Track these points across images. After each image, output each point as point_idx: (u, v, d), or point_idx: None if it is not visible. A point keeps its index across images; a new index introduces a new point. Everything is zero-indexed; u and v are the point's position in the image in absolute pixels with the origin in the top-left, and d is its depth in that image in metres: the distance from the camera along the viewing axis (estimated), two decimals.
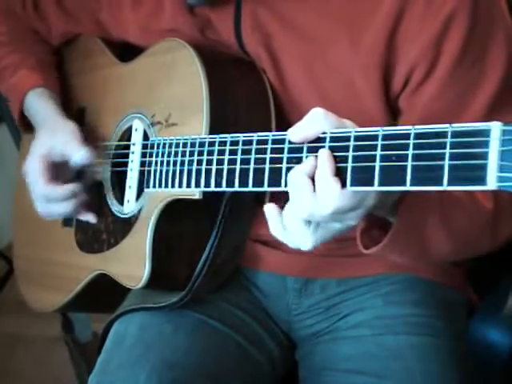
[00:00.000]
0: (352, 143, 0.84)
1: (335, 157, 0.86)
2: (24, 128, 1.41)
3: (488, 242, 1.13)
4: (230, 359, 1.23)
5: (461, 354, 1.22)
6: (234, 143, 0.99)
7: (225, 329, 1.25)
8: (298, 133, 0.91)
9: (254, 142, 0.96)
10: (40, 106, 1.34)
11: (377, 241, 0.99)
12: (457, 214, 1.04)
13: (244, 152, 0.97)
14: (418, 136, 0.78)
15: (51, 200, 1.26)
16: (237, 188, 0.99)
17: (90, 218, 1.29)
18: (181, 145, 1.10)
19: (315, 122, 0.90)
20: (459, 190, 1.00)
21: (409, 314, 1.23)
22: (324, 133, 0.88)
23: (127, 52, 1.31)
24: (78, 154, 1.24)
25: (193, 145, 1.07)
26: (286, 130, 1.12)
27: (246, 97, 1.15)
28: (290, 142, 0.92)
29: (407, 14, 1.04)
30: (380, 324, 1.23)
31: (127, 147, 1.25)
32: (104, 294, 1.33)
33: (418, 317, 1.23)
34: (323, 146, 0.88)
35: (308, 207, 0.88)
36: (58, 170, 1.26)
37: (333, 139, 0.87)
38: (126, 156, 1.24)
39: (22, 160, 1.31)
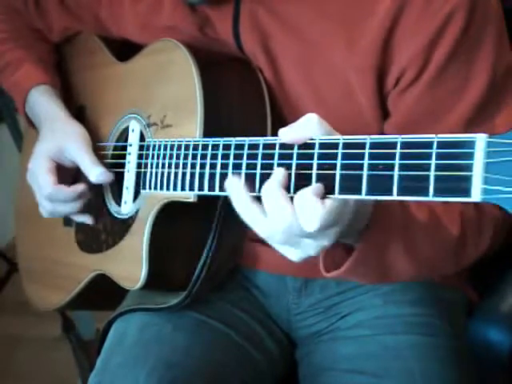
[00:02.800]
0: (340, 151, 0.83)
1: (323, 164, 0.85)
2: (31, 125, 1.41)
3: (452, 266, 1.14)
4: (229, 359, 1.23)
5: (460, 354, 1.22)
6: (226, 147, 0.98)
7: (224, 329, 1.25)
8: (288, 134, 0.90)
9: (246, 147, 0.96)
10: (43, 103, 1.34)
11: (339, 263, 0.99)
12: (421, 240, 1.03)
13: (236, 157, 0.97)
14: (404, 145, 0.78)
15: (56, 200, 1.25)
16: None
17: (87, 219, 1.29)
18: (175, 147, 1.09)
19: (307, 127, 0.89)
20: (425, 215, 1.01)
21: (408, 314, 1.23)
22: (313, 139, 0.87)
23: (126, 50, 1.31)
24: (95, 172, 1.21)
25: (187, 147, 1.06)
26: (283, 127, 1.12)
27: (241, 98, 1.15)
28: (280, 147, 0.92)
29: (404, 16, 1.04)
30: (380, 324, 1.23)
31: (125, 148, 1.24)
32: (105, 294, 1.33)
33: (418, 316, 1.23)
34: (313, 153, 0.87)
35: (286, 223, 0.87)
36: (61, 170, 1.26)
37: (322, 146, 0.86)
38: (124, 157, 1.24)
39: (25, 157, 1.31)
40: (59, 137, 1.26)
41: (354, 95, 1.10)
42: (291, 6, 1.11)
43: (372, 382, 1.18)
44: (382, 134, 1.10)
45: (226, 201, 1.12)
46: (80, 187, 1.24)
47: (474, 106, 1.06)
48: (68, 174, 1.27)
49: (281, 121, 1.15)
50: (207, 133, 1.08)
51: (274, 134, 1.11)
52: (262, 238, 1.24)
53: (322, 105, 1.12)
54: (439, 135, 0.75)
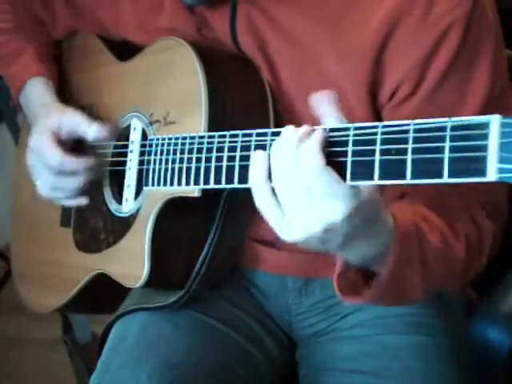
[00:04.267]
0: (351, 138, 0.84)
1: (335, 151, 0.85)
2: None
3: (458, 283, 1.17)
4: (229, 359, 1.23)
5: (460, 354, 1.22)
6: (233, 139, 0.99)
7: (225, 328, 1.25)
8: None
9: (254, 136, 0.96)
10: (40, 94, 1.35)
11: (352, 281, 0.97)
12: (434, 263, 1.02)
13: (243, 148, 0.97)
14: (417, 130, 0.78)
15: (65, 172, 1.24)
16: (236, 185, 0.98)
17: (83, 200, 1.28)
18: (179, 142, 1.09)
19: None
20: (437, 238, 1.01)
21: (408, 314, 1.23)
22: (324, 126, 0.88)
23: (126, 50, 1.31)
24: (92, 129, 1.22)
25: (191, 142, 1.07)
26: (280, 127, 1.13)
27: (244, 95, 1.15)
28: None
29: (398, 30, 1.04)
30: (380, 324, 1.23)
31: (126, 146, 1.24)
32: (103, 295, 1.33)
33: (418, 316, 1.23)
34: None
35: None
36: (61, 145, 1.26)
37: (333, 133, 0.86)
38: (125, 155, 1.24)
39: (21, 156, 1.31)
40: (56, 114, 1.28)
41: (349, 105, 1.10)
42: (285, 11, 1.11)
43: (372, 381, 1.18)
44: None
45: (231, 194, 1.13)
46: (88, 159, 1.25)
47: None
48: (67, 148, 1.26)
49: (279, 120, 1.16)
50: (211, 129, 1.08)
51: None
52: (262, 238, 1.26)
53: None
54: (453, 118, 0.75)
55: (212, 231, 1.16)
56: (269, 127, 1.14)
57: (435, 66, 1.04)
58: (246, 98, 1.15)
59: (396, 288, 0.99)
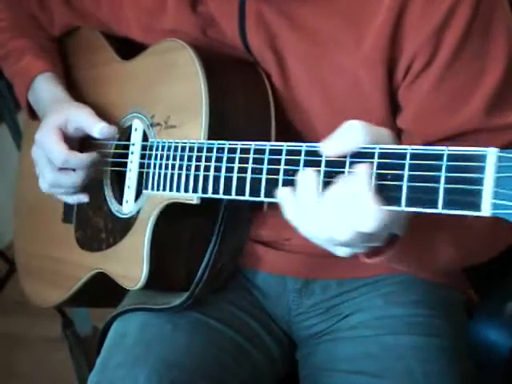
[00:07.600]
0: (348, 159, 0.83)
1: (330, 172, 0.85)
2: (30, 114, 1.41)
3: (489, 250, 1.11)
4: (229, 359, 1.23)
5: (461, 354, 1.22)
6: (232, 151, 0.98)
7: (224, 329, 1.25)
8: (332, 148, 0.86)
9: (252, 151, 0.95)
10: (51, 88, 1.34)
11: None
12: (463, 230, 0.99)
13: (241, 161, 0.96)
14: (413, 157, 0.77)
15: (66, 168, 1.24)
16: (234, 196, 0.98)
17: (83, 197, 1.28)
18: (179, 149, 1.09)
19: (351, 136, 0.85)
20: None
21: (409, 314, 1.23)
22: None
23: (130, 48, 1.30)
24: (99, 127, 1.22)
25: (191, 149, 1.06)
26: (288, 131, 1.11)
27: (245, 100, 1.14)
28: (287, 154, 0.91)
29: (410, 5, 1.02)
30: (380, 324, 1.23)
31: (127, 147, 1.24)
32: (104, 292, 1.33)
33: (419, 317, 1.23)
34: (320, 160, 0.86)
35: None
36: (67, 141, 1.25)
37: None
38: (126, 156, 1.24)
39: (24, 155, 1.30)
40: (67, 109, 1.27)
41: (364, 93, 1.08)
42: (298, 3, 1.09)
43: (373, 382, 1.18)
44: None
45: (231, 201, 1.13)
46: (91, 154, 1.24)
47: (490, 94, 1.02)
48: (73, 145, 1.26)
49: (285, 122, 1.14)
50: (211, 135, 1.08)
51: (278, 136, 1.12)
52: (263, 239, 1.26)
53: (330, 104, 1.11)
54: (450, 148, 0.75)
55: (213, 238, 1.15)
56: (270, 133, 1.13)
57: (448, 37, 1.01)
58: (248, 104, 1.14)
59: (417, 249, 0.96)
